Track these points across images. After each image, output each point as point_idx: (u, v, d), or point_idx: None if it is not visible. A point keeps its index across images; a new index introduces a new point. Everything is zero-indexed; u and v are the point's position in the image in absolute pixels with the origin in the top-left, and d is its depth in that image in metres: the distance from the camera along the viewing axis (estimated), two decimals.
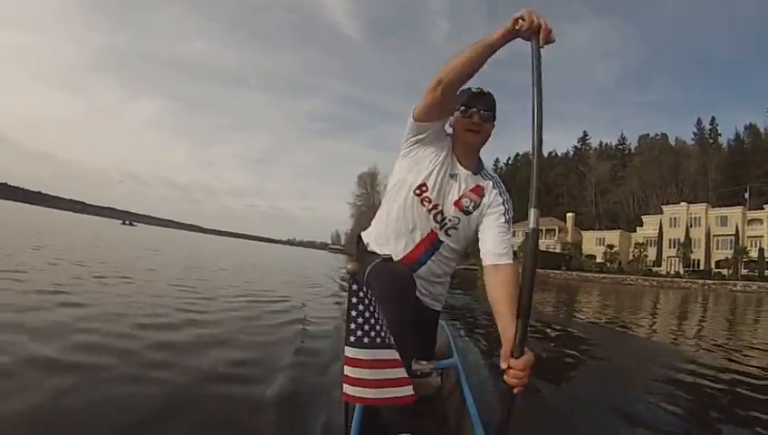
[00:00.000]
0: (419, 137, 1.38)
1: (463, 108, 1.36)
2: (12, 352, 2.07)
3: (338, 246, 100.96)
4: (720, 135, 60.12)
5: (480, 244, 1.40)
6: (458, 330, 3.57)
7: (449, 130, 1.44)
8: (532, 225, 1.01)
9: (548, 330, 4.91)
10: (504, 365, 1.02)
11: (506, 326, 1.07)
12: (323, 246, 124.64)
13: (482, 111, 1.35)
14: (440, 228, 1.42)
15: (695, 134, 61.95)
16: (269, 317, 3.91)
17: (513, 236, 1.43)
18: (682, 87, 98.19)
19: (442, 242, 1.44)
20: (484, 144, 1.44)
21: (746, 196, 44.86)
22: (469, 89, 1.35)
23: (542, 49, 1.05)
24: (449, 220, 1.41)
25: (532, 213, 1.02)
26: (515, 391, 1.00)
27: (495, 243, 1.34)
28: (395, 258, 1.40)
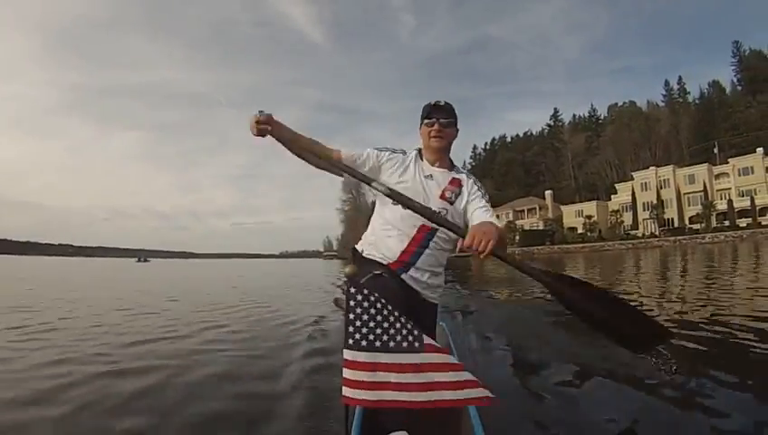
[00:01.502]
0: (363, 175, 1.54)
1: (426, 120, 1.56)
2: None
3: (332, 253, 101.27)
4: (689, 93, 61.67)
5: (470, 223, 1.51)
6: (458, 330, 3.66)
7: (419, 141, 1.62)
8: None
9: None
10: (466, 243, 1.20)
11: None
12: (317, 254, 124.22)
13: (441, 120, 1.54)
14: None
15: (664, 96, 63.56)
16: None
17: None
18: (650, 49, 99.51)
19: (436, 230, 1.51)
20: (450, 146, 1.61)
21: (715, 151, 46.32)
22: (429, 103, 1.56)
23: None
24: (438, 211, 1.50)
25: None
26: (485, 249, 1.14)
27: (481, 217, 1.45)
28: (393, 257, 1.50)
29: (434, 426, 1.44)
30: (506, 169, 73.51)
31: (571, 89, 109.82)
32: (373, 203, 1.68)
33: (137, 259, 69.09)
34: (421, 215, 1.43)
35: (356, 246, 1.65)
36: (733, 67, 58.23)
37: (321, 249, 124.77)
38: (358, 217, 70.53)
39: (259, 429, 1.75)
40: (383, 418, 1.23)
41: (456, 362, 1.09)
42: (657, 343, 1.70)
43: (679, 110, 58.40)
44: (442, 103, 1.57)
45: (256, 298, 7.78)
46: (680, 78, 62.69)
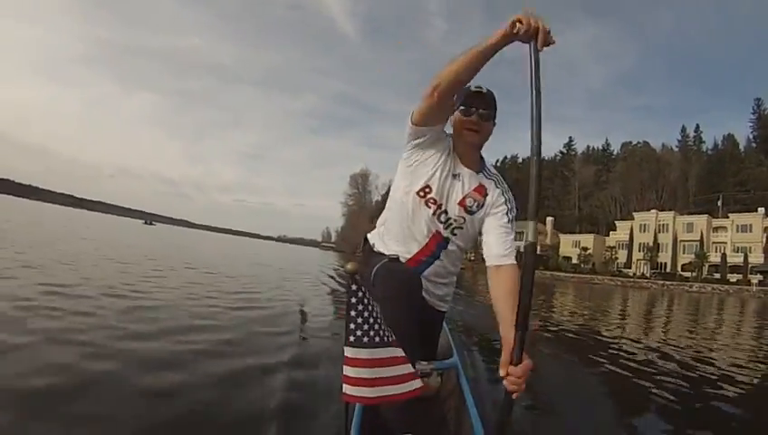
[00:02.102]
0: (419, 141, 1.38)
1: (462, 107, 1.35)
2: None
3: (329, 244, 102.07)
4: (704, 142, 62.20)
5: (483, 245, 1.38)
6: (458, 330, 3.64)
7: (449, 130, 1.44)
8: (530, 238, 1.00)
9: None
10: (503, 372, 1.01)
11: (507, 332, 1.05)
12: (314, 244, 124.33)
13: (481, 111, 1.34)
14: (445, 228, 1.42)
15: (679, 141, 64.18)
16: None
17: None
18: (672, 91, 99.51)
19: (449, 241, 1.43)
20: (484, 143, 1.43)
21: (719, 203, 47.12)
22: (469, 87, 1.34)
23: (540, 52, 1.01)
24: (454, 220, 1.40)
25: (531, 226, 1.00)
26: (514, 396, 1.00)
27: (498, 244, 1.33)
28: (402, 259, 1.42)
29: (434, 425, 1.45)
30: (515, 191, 73.86)
31: (588, 117, 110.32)
32: (378, 202, 1.81)
33: (144, 221, 70.78)
34: None
35: (368, 235, 1.58)
36: (750, 124, 58.66)
37: (319, 239, 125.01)
38: (360, 213, 71.33)
39: (258, 427, 1.69)
40: (383, 417, 1.20)
41: (402, 355, 1.08)
42: None
43: (692, 157, 58.99)
44: (484, 91, 1.36)
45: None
46: (697, 126, 63.40)
